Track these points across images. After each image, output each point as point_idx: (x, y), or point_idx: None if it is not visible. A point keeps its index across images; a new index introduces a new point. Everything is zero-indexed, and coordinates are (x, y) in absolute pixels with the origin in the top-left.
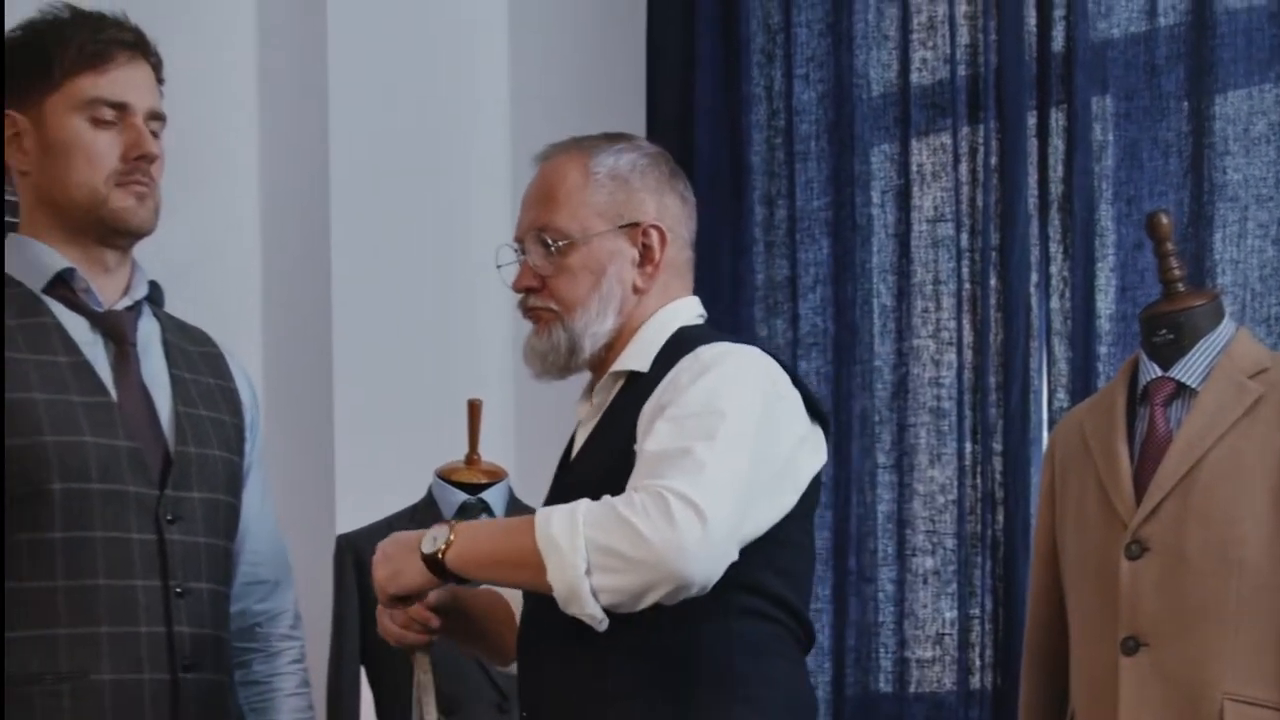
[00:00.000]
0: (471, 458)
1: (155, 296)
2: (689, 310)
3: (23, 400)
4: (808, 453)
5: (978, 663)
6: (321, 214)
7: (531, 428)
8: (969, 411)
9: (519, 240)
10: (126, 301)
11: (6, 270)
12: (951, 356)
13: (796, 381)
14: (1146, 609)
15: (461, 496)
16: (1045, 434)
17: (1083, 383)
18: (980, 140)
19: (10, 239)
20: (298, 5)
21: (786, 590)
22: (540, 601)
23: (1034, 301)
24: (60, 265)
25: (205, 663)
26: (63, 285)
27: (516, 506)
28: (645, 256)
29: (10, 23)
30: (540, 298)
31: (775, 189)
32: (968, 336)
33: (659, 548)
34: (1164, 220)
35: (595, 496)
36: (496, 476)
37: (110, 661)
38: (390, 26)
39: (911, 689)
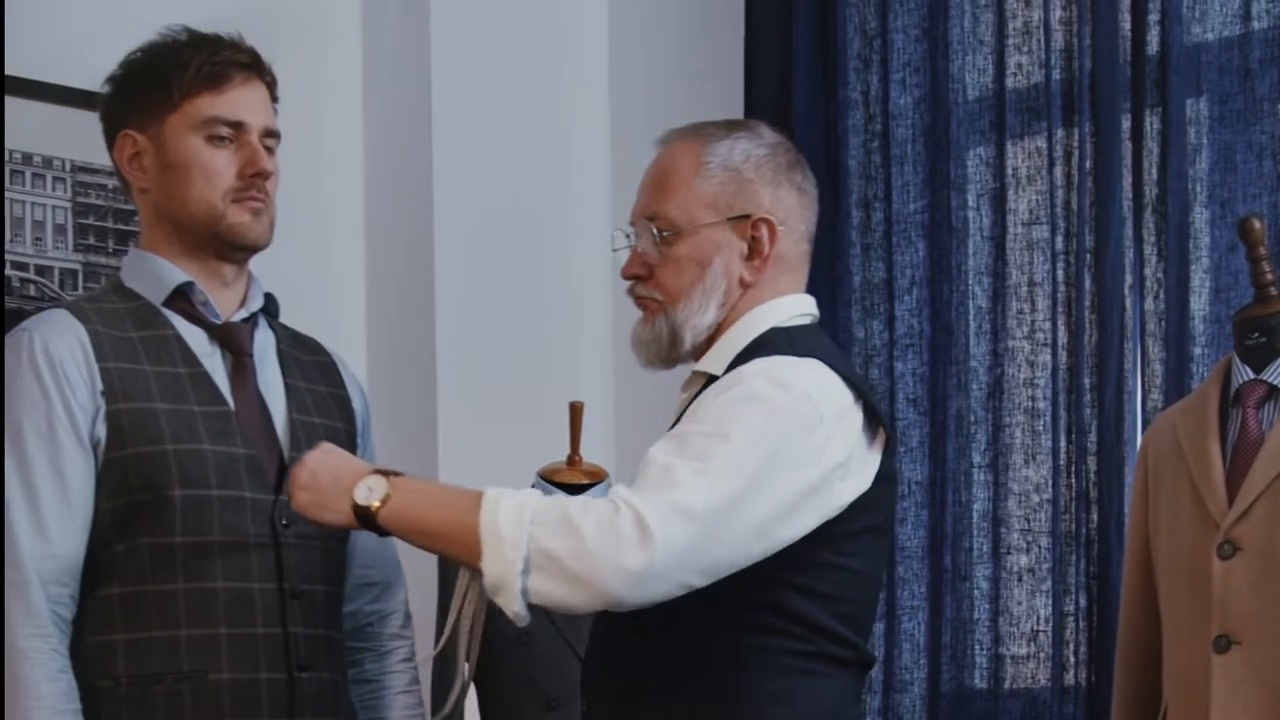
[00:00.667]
0: (573, 459)
1: (270, 308)
2: (787, 309)
3: (146, 410)
4: (849, 478)
5: (1072, 659)
6: (425, 218)
7: (631, 428)
8: (1064, 412)
9: (631, 224)
10: (243, 313)
11: (129, 283)
12: (1046, 357)
13: (862, 395)
14: (1238, 608)
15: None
16: (1139, 434)
17: (1176, 383)
18: (1075, 144)
19: (130, 253)
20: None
21: (815, 611)
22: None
23: (1128, 303)
24: (179, 279)
25: (319, 662)
26: (182, 298)
27: None
28: (754, 250)
29: (131, 45)
30: (647, 286)
31: (872, 192)
32: (1063, 338)
33: (597, 565)
34: (1256, 225)
35: None
36: (597, 477)
37: (229, 661)
38: (493, 36)
39: (1006, 685)
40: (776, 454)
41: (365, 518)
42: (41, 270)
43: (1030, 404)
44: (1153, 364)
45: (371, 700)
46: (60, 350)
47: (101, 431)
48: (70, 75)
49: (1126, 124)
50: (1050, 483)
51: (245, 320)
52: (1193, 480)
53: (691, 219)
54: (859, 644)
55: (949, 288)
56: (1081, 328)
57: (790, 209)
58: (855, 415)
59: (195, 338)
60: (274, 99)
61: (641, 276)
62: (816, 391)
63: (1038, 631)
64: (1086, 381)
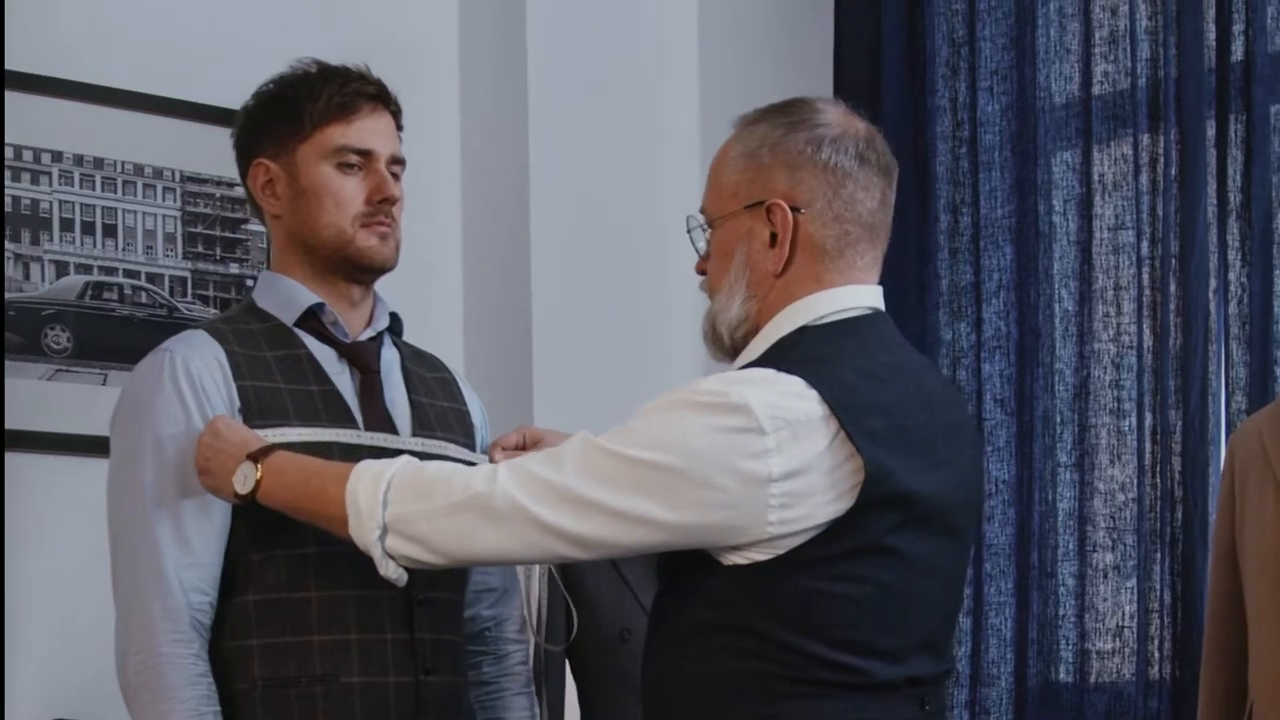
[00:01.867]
0: None
1: (395, 327)
2: (824, 305)
3: (283, 426)
4: (797, 503)
5: (1157, 655)
6: (521, 226)
7: None
8: (1149, 413)
9: None
10: (370, 332)
11: (261, 304)
12: (1132, 360)
13: (839, 415)
14: None
15: None
16: (1223, 436)
17: (1260, 386)
18: (1161, 150)
19: (262, 275)
20: (497, 11)
21: (800, 639)
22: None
23: (1212, 307)
24: (310, 300)
25: (444, 666)
26: (313, 318)
27: None
28: (776, 237)
29: (263, 77)
30: (702, 282)
31: (960, 197)
32: (1148, 341)
33: (439, 525)
34: None
35: None
36: None
37: (359, 665)
38: (587, 56)
39: (1092, 679)
40: (683, 458)
41: (249, 502)
42: (152, 278)
43: (1116, 405)
44: (1236, 367)
45: (490, 701)
46: (200, 368)
47: None
48: (181, 89)
49: (1211, 131)
50: (1135, 482)
51: (372, 339)
52: (1278, 483)
53: (719, 210)
54: (866, 668)
55: (1036, 291)
56: (1167, 331)
57: (814, 190)
58: (820, 433)
59: (326, 356)
60: (399, 127)
61: (702, 271)
62: (761, 404)
63: (1123, 627)
64: (1171, 384)
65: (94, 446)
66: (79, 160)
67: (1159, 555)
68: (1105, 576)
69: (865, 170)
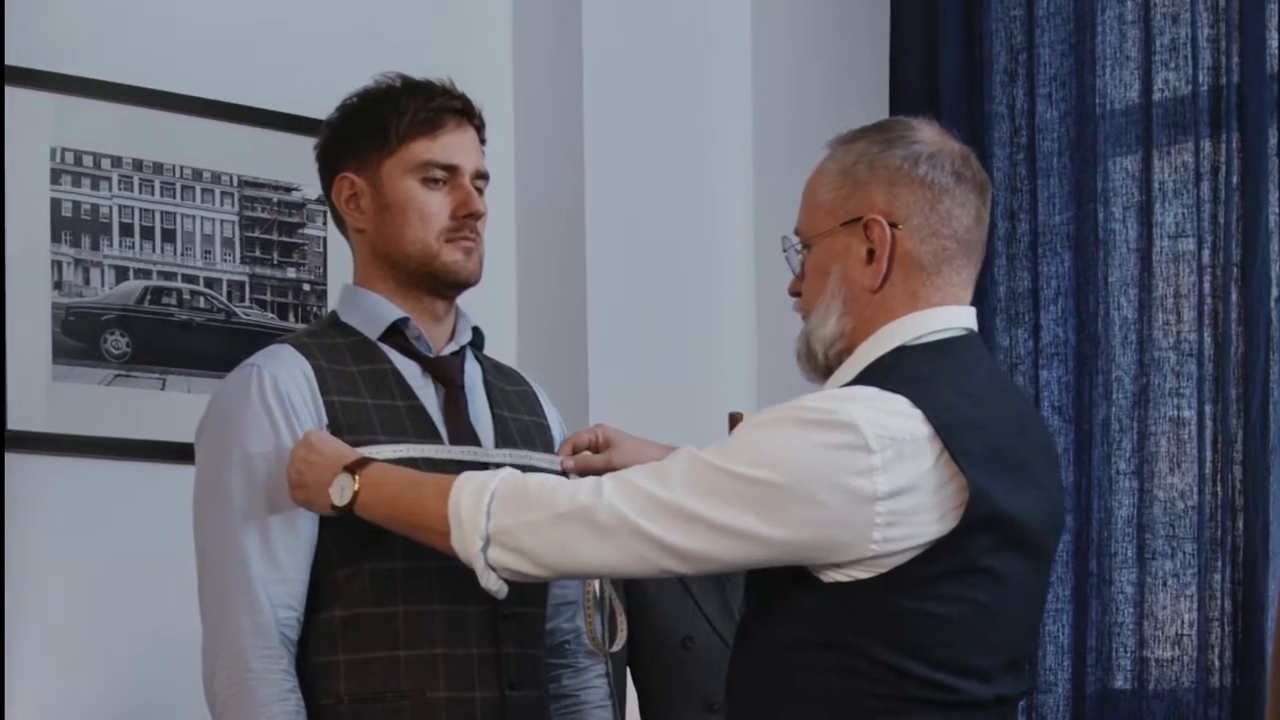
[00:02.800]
0: None
1: (477, 341)
2: (922, 325)
3: (370, 441)
4: (900, 523)
5: (1217, 663)
6: (577, 234)
7: None
8: (1210, 421)
9: None
10: (453, 347)
11: (345, 319)
12: (1192, 368)
13: (943, 435)
14: None
15: None
16: None
17: None
18: (1222, 158)
19: (345, 289)
20: (552, 15)
21: (896, 658)
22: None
23: (1274, 315)
24: (395, 315)
25: (529, 681)
26: (396, 333)
27: None
28: (873, 254)
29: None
30: (797, 302)
31: (1018, 203)
32: (1209, 349)
33: (545, 536)
34: None
35: None
36: None
37: (445, 680)
38: (640, 60)
39: (1151, 687)
40: (790, 474)
41: (346, 514)
42: (210, 283)
43: (1176, 413)
44: None
45: (569, 714)
46: (288, 384)
47: None
48: (240, 93)
49: (1274, 138)
50: (1195, 490)
51: (455, 353)
52: None
53: (815, 229)
54: (960, 686)
55: (1094, 299)
56: (1228, 339)
57: (912, 206)
58: (925, 452)
59: (410, 371)
60: (482, 141)
61: (796, 292)
62: (867, 422)
63: (1182, 635)
64: (1233, 392)
65: (152, 452)
66: (138, 165)
67: (1219, 564)
68: (1164, 584)
69: (961, 187)
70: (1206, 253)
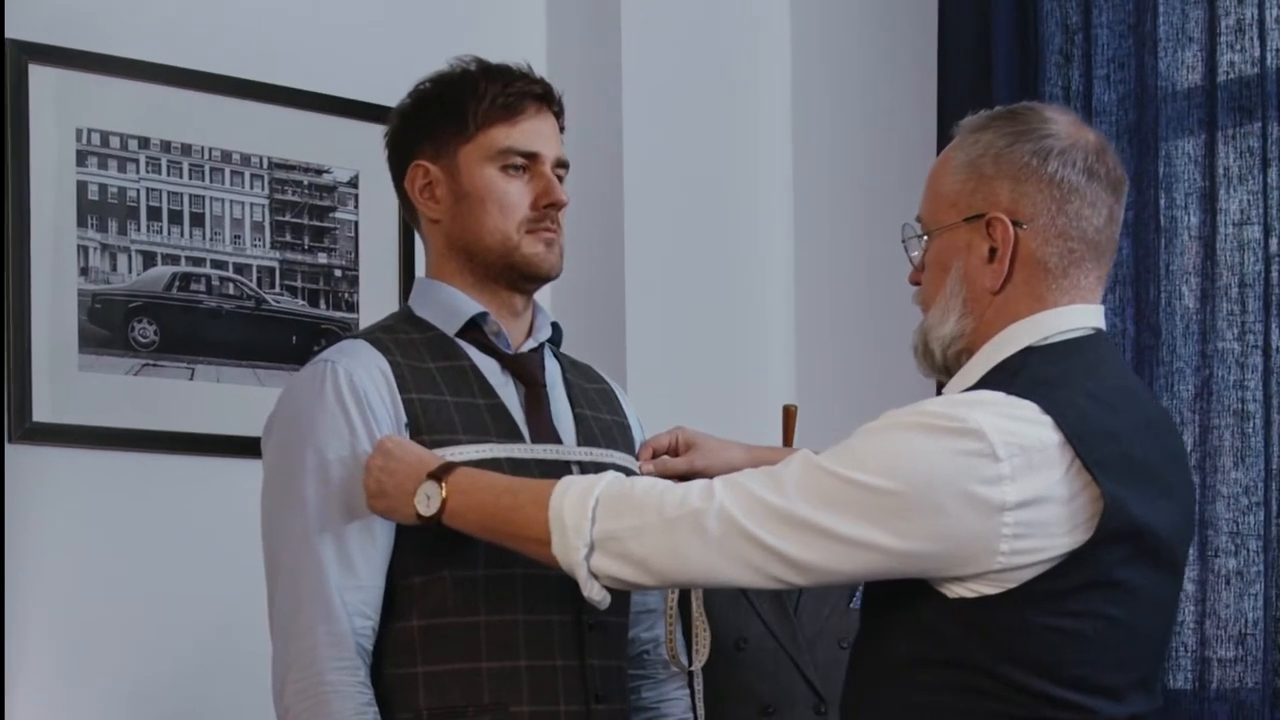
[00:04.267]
0: None
1: (556, 337)
2: (1049, 325)
3: (450, 441)
4: (1034, 534)
5: None
6: (616, 228)
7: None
8: (1276, 415)
9: None
10: (532, 343)
11: (420, 313)
12: (1258, 360)
13: (1074, 443)
14: None
15: None
16: None
17: None
18: None
19: (420, 282)
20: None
21: (1026, 677)
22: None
23: None
24: (474, 310)
25: (614, 693)
26: (474, 329)
27: None
28: (995, 253)
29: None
30: (917, 292)
31: None
32: (1276, 340)
33: (655, 542)
34: None
35: None
36: None
37: (529, 693)
38: (680, 46)
39: (1213, 687)
40: (913, 483)
41: (433, 524)
42: (240, 268)
43: (1240, 406)
44: None
45: None
46: (364, 381)
47: None
48: (269, 72)
49: None
50: (1261, 486)
51: (534, 350)
52: None
53: (937, 221)
54: (1093, 706)
55: (1155, 287)
56: None
57: (1039, 205)
58: (1056, 461)
59: (489, 368)
60: (561, 129)
61: (916, 282)
62: (995, 428)
63: (1246, 634)
64: None
65: (180, 444)
66: (166, 146)
67: None
68: (1227, 583)
69: (1093, 185)
70: (1275, 241)
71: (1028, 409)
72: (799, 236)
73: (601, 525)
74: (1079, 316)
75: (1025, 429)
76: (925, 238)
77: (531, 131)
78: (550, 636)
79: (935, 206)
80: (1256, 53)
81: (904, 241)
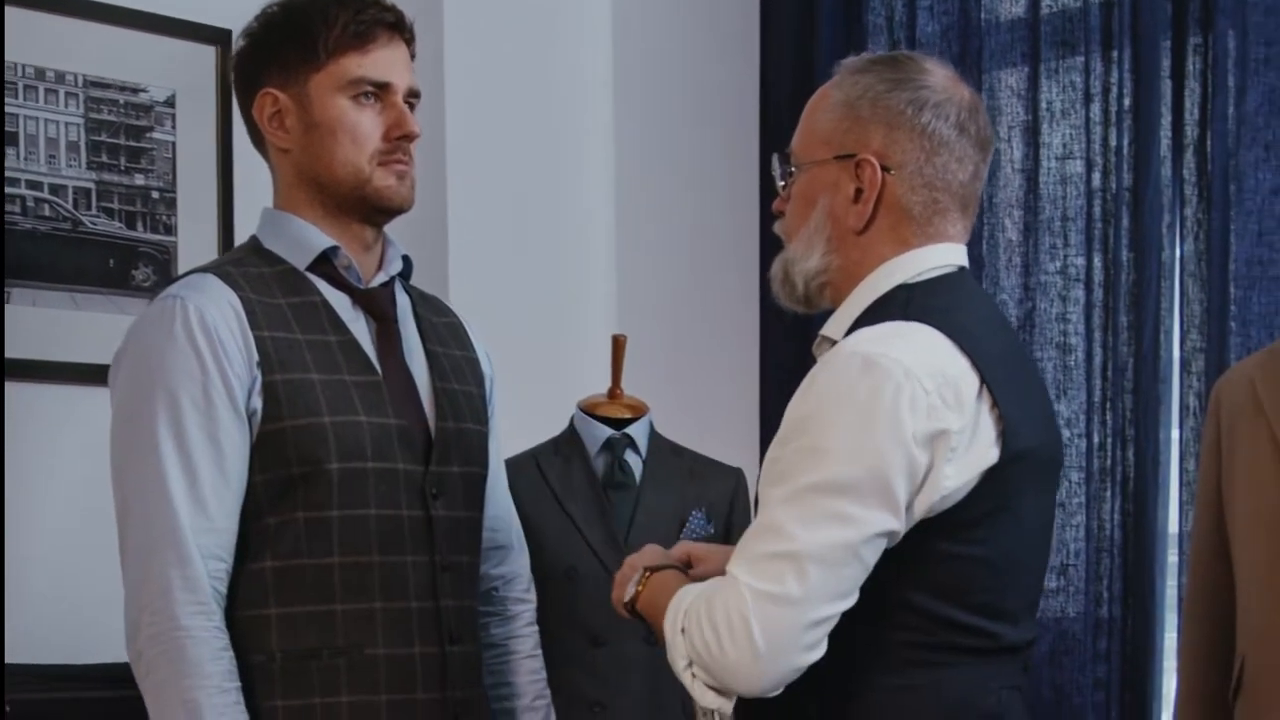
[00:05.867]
0: (614, 391)
1: (406, 271)
2: (919, 263)
3: (303, 380)
4: (953, 458)
5: (1105, 594)
6: (438, 162)
7: (678, 362)
8: (1099, 348)
9: None
10: (382, 277)
11: (269, 245)
12: (1079, 293)
13: (979, 366)
14: None
15: (604, 430)
16: (1176, 373)
17: (1217, 325)
18: (1114, 79)
19: (267, 213)
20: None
21: (934, 604)
22: None
23: (1166, 242)
24: (325, 244)
25: (467, 634)
26: (325, 262)
27: (657, 441)
28: (861, 193)
29: None
30: (780, 222)
31: None
32: (1098, 274)
33: (721, 664)
34: None
35: None
36: (639, 411)
37: (384, 635)
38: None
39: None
40: (876, 460)
41: (629, 611)
42: (55, 189)
43: (1062, 339)
44: (1191, 304)
45: (498, 665)
46: (215, 319)
47: (258, 403)
48: None
49: (1167, 60)
50: (1084, 418)
51: (385, 284)
52: (1274, 437)
53: (808, 155)
54: (996, 631)
55: (979, 220)
56: (1118, 266)
57: (908, 153)
58: (965, 385)
59: (340, 303)
60: (413, 56)
61: (779, 212)
62: (916, 361)
63: (1068, 565)
64: (1124, 320)
65: None
66: None
67: (1109, 493)
68: None
69: (963, 141)
70: (1097, 175)
71: (933, 336)
72: (620, 172)
73: (688, 642)
74: (945, 254)
75: (940, 359)
76: (794, 170)
77: (383, 61)
78: (405, 578)
79: (808, 141)
80: None
81: (773, 170)
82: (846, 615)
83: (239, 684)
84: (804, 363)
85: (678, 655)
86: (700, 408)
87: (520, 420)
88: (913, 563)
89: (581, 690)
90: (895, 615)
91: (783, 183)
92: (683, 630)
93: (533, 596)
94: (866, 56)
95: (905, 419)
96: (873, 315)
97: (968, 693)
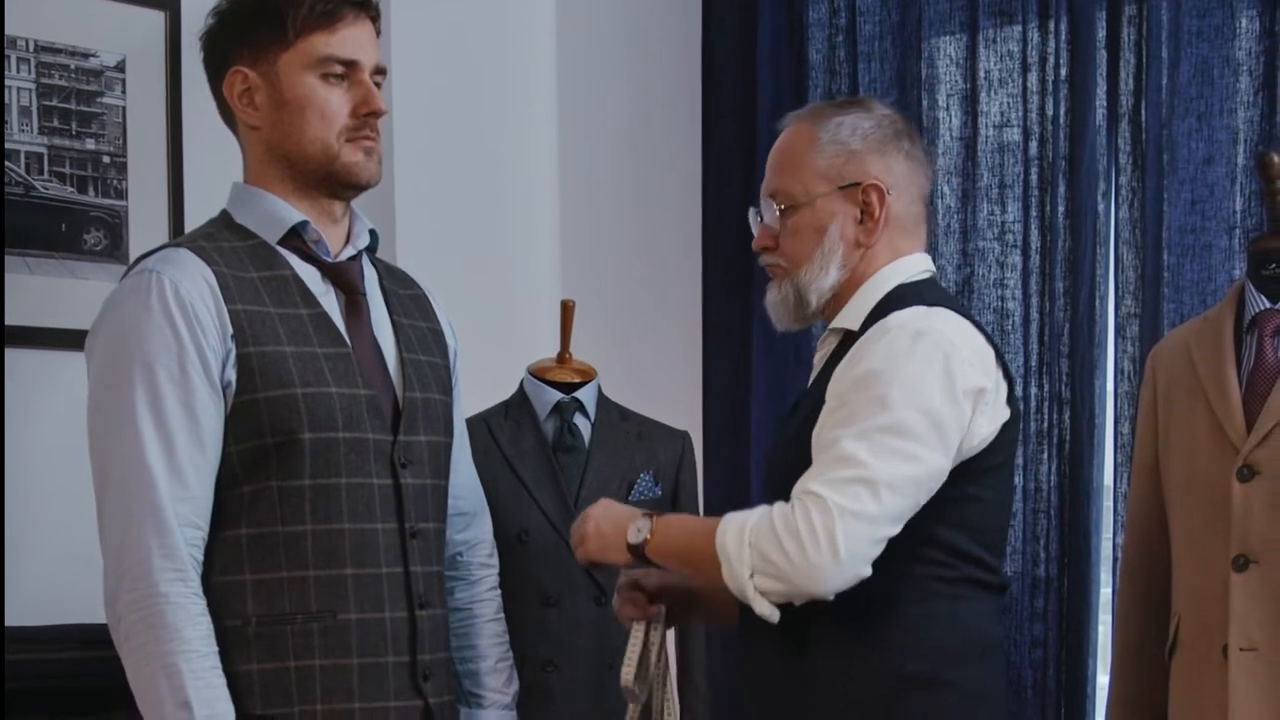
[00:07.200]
0: (563, 356)
1: (373, 244)
2: (912, 266)
3: (276, 353)
4: (987, 411)
5: (1043, 555)
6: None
7: (623, 328)
8: (1035, 314)
9: (763, 202)
10: (350, 251)
11: (240, 219)
12: (1016, 259)
13: (988, 338)
14: (1257, 529)
15: (554, 394)
16: (1111, 339)
17: (1152, 291)
18: (1050, 49)
19: (238, 188)
20: None
21: (960, 539)
22: None
23: (1101, 210)
24: (295, 218)
25: (435, 599)
26: (294, 236)
27: (605, 404)
28: (866, 214)
29: None
30: (773, 255)
31: (837, 88)
32: (1035, 241)
33: (800, 568)
34: (1276, 159)
35: (797, 448)
36: (587, 376)
37: (356, 601)
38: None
39: None
40: (932, 408)
41: (637, 553)
42: (7, 154)
43: (1000, 304)
44: (1126, 270)
45: (462, 628)
46: (190, 292)
47: (232, 375)
48: None
49: (1102, 31)
50: (1021, 381)
51: (353, 258)
52: (1209, 404)
53: (808, 192)
54: (997, 568)
55: None
56: (1055, 232)
57: (900, 174)
58: (988, 354)
59: (310, 277)
60: (378, 33)
61: (769, 247)
62: (955, 334)
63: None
64: (1060, 285)
65: None
66: None
67: (1046, 456)
68: None
69: (923, 159)
70: (1034, 144)
71: (954, 319)
72: (563, 140)
73: (756, 553)
74: (923, 261)
75: (967, 330)
76: (786, 207)
77: (350, 39)
78: (375, 545)
79: (806, 179)
80: None
81: (756, 216)
82: (887, 558)
83: (216, 648)
84: (745, 330)
85: (742, 567)
86: (645, 372)
87: (471, 383)
88: (943, 503)
89: (535, 650)
90: (923, 550)
91: (773, 225)
92: (749, 544)
93: (495, 562)
94: (826, 102)
95: (956, 377)
96: (886, 307)
97: (980, 624)
